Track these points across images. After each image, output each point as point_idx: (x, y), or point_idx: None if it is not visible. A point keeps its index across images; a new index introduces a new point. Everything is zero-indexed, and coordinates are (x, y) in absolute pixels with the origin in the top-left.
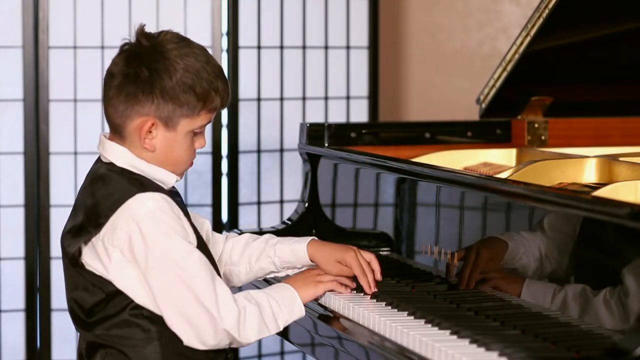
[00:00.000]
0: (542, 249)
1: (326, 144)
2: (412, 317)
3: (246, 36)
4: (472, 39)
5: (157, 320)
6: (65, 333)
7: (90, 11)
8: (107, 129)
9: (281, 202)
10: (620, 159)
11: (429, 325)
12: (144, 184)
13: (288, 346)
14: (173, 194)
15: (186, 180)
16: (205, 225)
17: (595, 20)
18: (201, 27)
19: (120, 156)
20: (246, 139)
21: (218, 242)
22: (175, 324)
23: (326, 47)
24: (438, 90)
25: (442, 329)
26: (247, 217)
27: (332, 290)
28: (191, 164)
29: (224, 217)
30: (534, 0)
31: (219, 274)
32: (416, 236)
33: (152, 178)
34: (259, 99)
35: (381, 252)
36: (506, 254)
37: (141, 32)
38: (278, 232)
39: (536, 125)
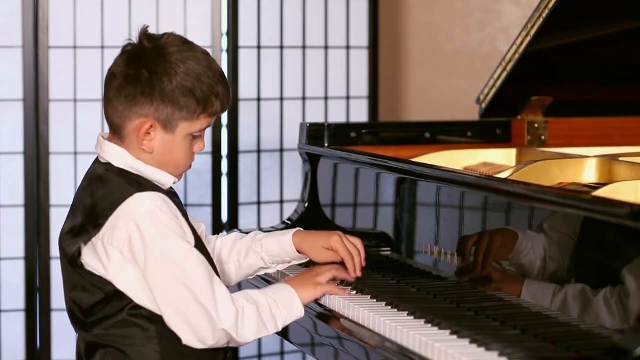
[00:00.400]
0: (546, 248)
1: (326, 144)
2: (412, 317)
3: (246, 36)
4: (472, 39)
5: (156, 320)
6: (65, 333)
7: (90, 11)
8: (107, 129)
9: (281, 202)
10: (620, 159)
11: (429, 325)
12: (142, 184)
13: (288, 346)
14: (171, 194)
15: (186, 180)
16: (201, 228)
17: (595, 20)
18: (201, 27)
19: (118, 157)
20: (246, 139)
21: (210, 243)
22: (174, 324)
23: (326, 47)
24: (438, 90)
25: (442, 329)
26: (247, 217)
27: (331, 293)
28: (190, 166)
29: (224, 217)
30: (534, 0)
31: (217, 274)
32: (416, 236)
33: (149, 179)
34: (259, 99)
35: (381, 252)
36: (516, 245)
37: (144, 34)
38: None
39: (536, 125)
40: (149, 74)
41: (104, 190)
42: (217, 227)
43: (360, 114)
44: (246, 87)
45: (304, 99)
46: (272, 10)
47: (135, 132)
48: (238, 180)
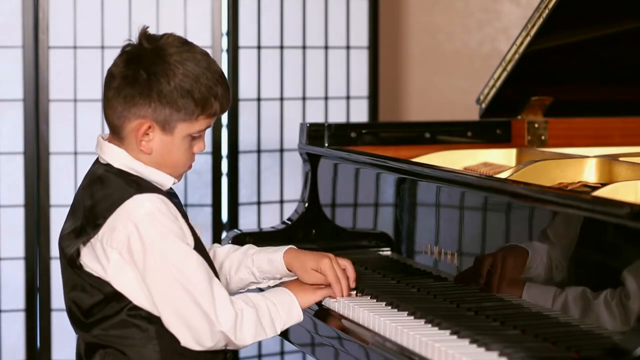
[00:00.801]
0: (550, 255)
1: (326, 144)
2: (412, 317)
3: (246, 36)
4: (472, 39)
5: (155, 320)
6: (65, 333)
7: (90, 11)
8: (107, 129)
9: (281, 202)
10: (620, 159)
11: (429, 325)
12: (141, 185)
13: (288, 346)
14: (171, 195)
15: (186, 181)
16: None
17: (595, 20)
18: (201, 27)
19: (118, 157)
20: (246, 139)
21: None
22: (172, 325)
23: (326, 47)
24: (438, 90)
25: (442, 329)
26: (247, 217)
27: (330, 297)
28: (190, 167)
29: (224, 217)
30: (534, 0)
31: (217, 276)
32: (416, 236)
33: (149, 180)
34: (259, 99)
35: (381, 252)
36: (527, 262)
37: (143, 34)
38: (278, 232)
39: (536, 125)
40: (147, 74)
41: (104, 191)
42: (217, 227)
43: (360, 114)
44: (246, 87)
45: (304, 99)
46: (272, 10)
47: (134, 133)
48: (238, 180)
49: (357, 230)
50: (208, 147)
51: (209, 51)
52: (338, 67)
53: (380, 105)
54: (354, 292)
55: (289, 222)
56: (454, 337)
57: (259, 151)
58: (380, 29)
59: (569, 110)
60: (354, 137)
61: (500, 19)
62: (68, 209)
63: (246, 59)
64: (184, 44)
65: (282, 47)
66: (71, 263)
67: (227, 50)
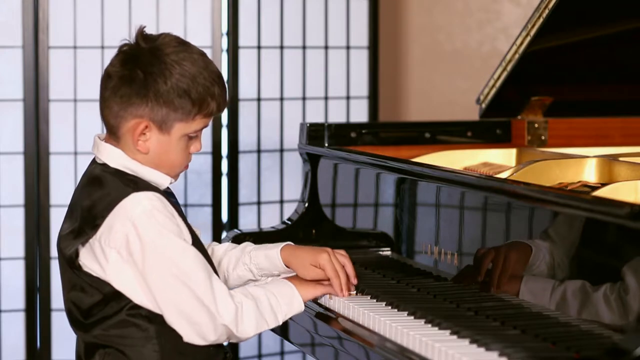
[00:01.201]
0: (550, 255)
1: (326, 144)
2: (412, 317)
3: (246, 36)
4: (472, 39)
5: (155, 320)
6: (65, 333)
7: (90, 11)
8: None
9: (281, 202)
10: (620, 159)
11: (429, 325)
12: (138, 185)
13: (288, 346)
14: (167, 194)
15: (186, 180)
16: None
17: (595, 20)
18: (201, 27)
19: (114, 157)
20: (246, 139)
21: None
22: (174, 322)
23: (326, 47)
24: (438, 90)
25: (442, 329)
26: (247, 217)
27: (330, 295)
28: (186, 166)
29: (224, 217)
30: (534, 0)
31: (215, 272)
32: (416, 236)
33: (146, 179)
34: (259, 99)
35: (381, 252)
36: (530, 259)
37: (140, 34)
38: (278, 232)
39: (536, 125)
40: (144, 74)
41: (101, 191)
42: (217, 227)
43: (360, 114)
44: (246, 87)
45: (304, 99)
46: (272, 10)
47: (131, 133)
48: (238, 180)
49: (357, 230)
50: (208, 147)
51: (209, 51)
52: (338, 67)
53: (380, 105)
54: (354, 292)
55: (289, 222)
56: (454, 337)
57: (259, 151)
58: (380, 29)
59: (569, 110)
60: (354, 137)
61: (500, 19)
62: None
63: (246, 59)
64: (181, 44)
65: (282, 47)
66: (70, 264)
67: (227, 50)
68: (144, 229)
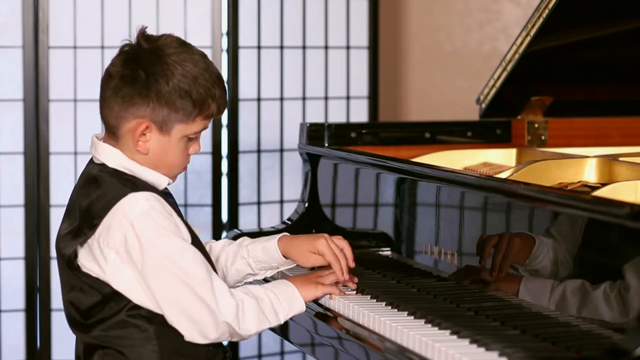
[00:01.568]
0: (550, 255)
1: (326, 144)
2: (412, 317)
3: (246, 36)
4: (472, 39)
5: (154, 320)
6: (65, 333)
7: (90, 11)
8: None
9: (281, 202)
10: (620, 159)
11: (429, 325)
12: (136, 185)
13: (288, 346)
14: (166, 194)
15: (186, 180)
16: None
17: (595, 20)
18: (201, 27)
19: (113, 157)
20: (246, 139)
21: None
22: (176, 321)
23: (326, 47)
24: (438, 90)
25: (442, 329)
26: (247, 217)
27: (331, 294)
28: (184, 167)
29: (224, 217)
30: (534, 0)
31: (215, 270)
32: (416, 236)
33: (144, 180)
34: (259, 99)
35: (381, 252)
36: (533, 250)
37: (142, 35)
38: (278, 232)
39: (536, 125)
40: (146, 74)
41: (99, 191)
42: (217, 227)
43: (360, 114)
44: (246, 87)
45: (304, 99)
46: (272, 10)
47: (131, 133)
48: (238, 180)
49: (357, 230)
50: (208, 147)
51: (208, 51)
52: (338, 67)
53: (380, 105)
54: (354, 291)
55: (289, 222)
56: (454, 337)
57: (259, 151)
58: (380, 29)
59: (569, 110)
60: (354, 137)
61: (500, 19)
62: None
63: (246, 59)
64: (182, 45)
65: (282, 47)
66: (69, 264)
67: (227, 50)
68: (142, 229)
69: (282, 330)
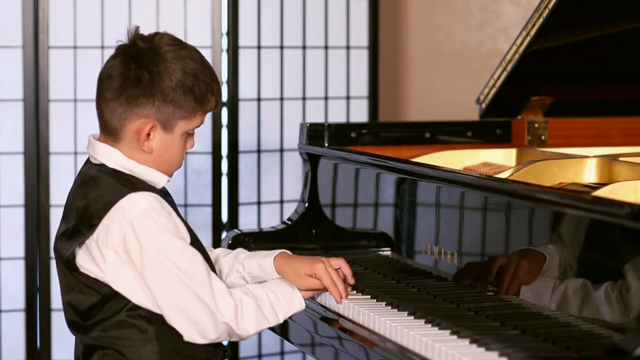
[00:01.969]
0: (550, 255)
1: (326, 144)
2: (412, 317)
3: (246, 36)
4: (472, 39)
5: (154, 320)
6: (65, 333)
7: (90, 11)
8: None
9: (281, 202)
10: (620, 159)
11: (429, 325)
12: (135, 184)
13: (288, 346)
14: (164, 194)
15: (186, 180)
16: None
17: (595, 20)
18: (201, 27)
19: (112, 157)
20: (246, 139)
21: None
22: (175, 321)
23: (326, 47)
24: (438, 90)
25: (442, 329)
26: (247, 217)
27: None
28: (181, 164)
29: (224, 217)
30: (534, 0)
31: (214, 270)
32: (416, 236)
33: (143, 179)
34: (259, 99)
35: (381, 252)
36: (543, 268)
37: (137, 34)
38: (278, 232)
39: (536, 125)
40: (149, 74)
41: (97, 192)
42: (217, 227)
43: (360, 114)
44: (246, 87)
45: (304, 99)
46: (272, 10)
47: (136, 134)
48: (238, 180)
49: (357, 230)
50: (208, 147)
51: (209, 51)
52: (338, 67)
53: (380, 105)
54: (354, 291)
55: (289, 222)
56: (454, 337)
57: (259, 151)
58: (380, 29)
59: (569, 110)
60: (354, 137)
61: (500, 19)
62: None
63: (246, 59)
64: (177, 42)
65: (282, 47)
66: (68, 265)
67: (227, 50)
68: (141, 229)
69: (282, 330)
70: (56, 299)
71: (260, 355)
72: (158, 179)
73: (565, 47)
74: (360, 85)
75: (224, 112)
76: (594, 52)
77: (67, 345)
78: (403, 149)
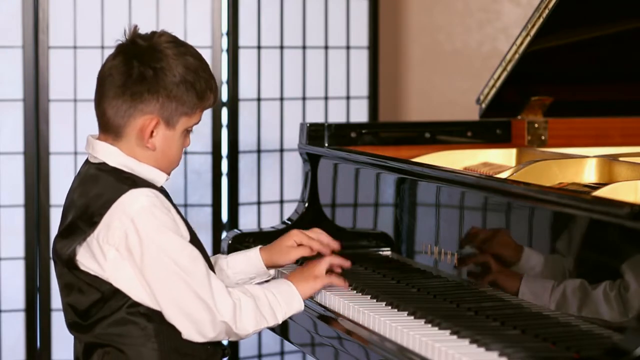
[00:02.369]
0: (550, 255)
1: (326, 144)
2: (412, 317)
3: (246, 36)
4: (472, 39)
5: (153, 318)
6: (65, 333)
7: (90, 11)
8: None
9: (281, 202)
10: (620, 159)
11: (429, 325)
12: (135, 182)
13: (288, 346)
14: (163, 193)
15: (186, 180)
16: None
17: (595, 20)
18: (201, 27)
19: (112, 155)
20: (246, 139)
21: None
22: (174, 318)
23: (326, 47)
24: (438, 90)
25: (442, 329)
26: (247, 217)
27: (331, 285)
28: (178, 163)
29: (224, 217)
30: (534, 0)
31: (212, 269)
32: (416, 236)
33: (143, 177)
34: (259, 99)
35: (381, 252)
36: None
37: (136, 33)
38: (278, 232)
39: (536, 125)
40: (153, 71)
41: (97, 190)
42: (217, 227)
43: (360, 114)
44: (246, 87)
45: (304, 99)
46: (272, 10)
47: (139, 131)
48: (238, 180)
49: (357, 230)
50: (208, 147)
51: (209, 51)
52: (338, 67)
53: (380, 105)
54: (354, 291)
55: (289, 222)
56: (454, 337)
57: (259, 151)
58: (380, 29)
59: (569, 110)
60: (354, 137)
61: (500, 19)
62: None
63: (246, 59)
64: (176, 40)
65: (282, 47)
66: (68, 264)
67: (227, 50)
68: (142, 225)
69: (282, 330)
70: (56, 299)
71: (260, 355)
72: (157, 177)
73: (565, 47)
74: (360, 85)
75: (224, 112)
76: (594, 52)
77: (67, 345)
78: (403, 149)
